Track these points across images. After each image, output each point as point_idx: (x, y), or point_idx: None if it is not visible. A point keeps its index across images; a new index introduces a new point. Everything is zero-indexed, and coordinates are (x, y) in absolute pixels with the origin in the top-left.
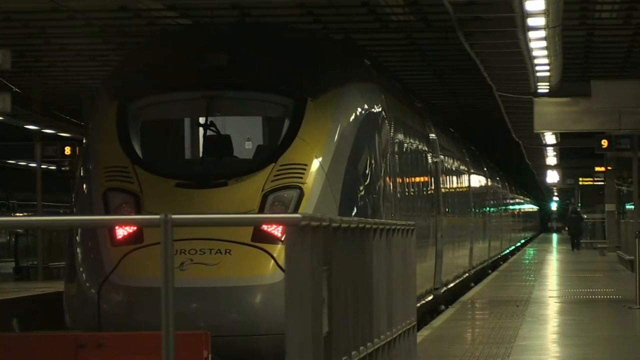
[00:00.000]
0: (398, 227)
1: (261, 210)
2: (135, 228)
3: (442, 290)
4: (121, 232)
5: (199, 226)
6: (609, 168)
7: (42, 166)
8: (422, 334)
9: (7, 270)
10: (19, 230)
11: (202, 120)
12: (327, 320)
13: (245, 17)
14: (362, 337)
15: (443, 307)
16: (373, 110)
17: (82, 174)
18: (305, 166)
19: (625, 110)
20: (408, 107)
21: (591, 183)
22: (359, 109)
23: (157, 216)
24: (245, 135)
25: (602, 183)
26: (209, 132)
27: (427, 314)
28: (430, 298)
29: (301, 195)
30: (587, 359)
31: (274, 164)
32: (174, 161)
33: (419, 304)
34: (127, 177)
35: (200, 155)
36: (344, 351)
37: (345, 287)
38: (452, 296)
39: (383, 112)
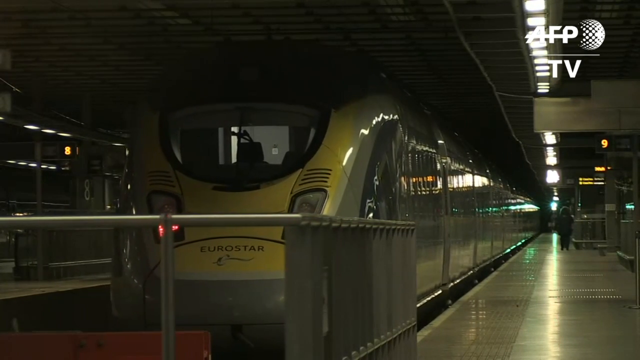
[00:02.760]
0: (398, 227)
1: (290, 211)
2: (176, 227)
3: (450, 286)
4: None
5: (200, 226)
6: (609, 168)
7: (42, 166)
8: (422, 334)
9: (7, 270)
10: (19, 230)
11: (235, 129)
12: (327, 320)
13: (245, 18)
14: (362, 337)
15: (450, 301)
16: (389, 119)
17: (126, 178)
18: (329, 171)
19: (625, 110)
20: (419, 115)
21: (591, 183)
22: (377, 119)
23: (157, 216)
24: (275, 143)
25: (602, 183)
26: (242, 140)
27: (435, 308)
28: (439, 292)
29: (326, 197)
30: (587, 359)
31: (301, 169)
32: (211, 166)
33: (429, 298)
34: (169, 181)
35: (235, 161)
36: (344, 351)
37: (345, 287)
38: (458, 292)
39: (398, 121)
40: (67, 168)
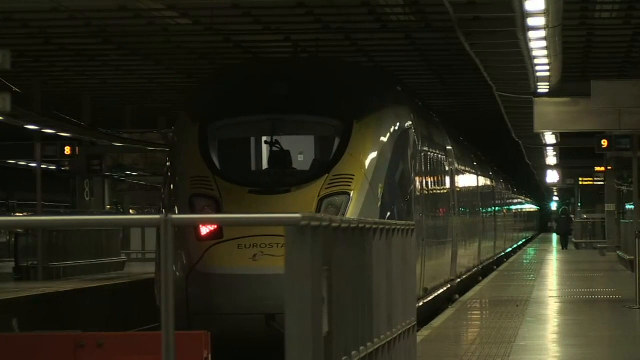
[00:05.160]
0: (398, 227)
1: (318, 212)
2: (216, 226)
3: (457, 281)
4: (205, 229)
5: (201, 225)
6: (609, 168)
7: (42, 166)
8: (422, 334)
9: (7, 270)
10: (19, 230)
11: (268, 138)
12: (327, 320)
13: (245, 18)
14: (362, 337)
15: (457, 296)
16: (405, 128)
17: (169, 183)
18: (353, 176)
19: (625, 110)
20: (430, 123)
21: (591, 183)
22: (395, 128)
23: (157, 216)
24: (303, 151)
25: (602, 183)
26: (274, 149)
27: (445, 301)
28: (448, 287)
29: (350, 200)
30: (587, 359)
31: (327, 174)
32: (246, 172)
33: (440, 291)
34: (208, 185)
35: (267, 167)
36: (344, 351)
37: (345, 287)
38: (463, 287)
39: (412, 130)
40: (67, 168)
